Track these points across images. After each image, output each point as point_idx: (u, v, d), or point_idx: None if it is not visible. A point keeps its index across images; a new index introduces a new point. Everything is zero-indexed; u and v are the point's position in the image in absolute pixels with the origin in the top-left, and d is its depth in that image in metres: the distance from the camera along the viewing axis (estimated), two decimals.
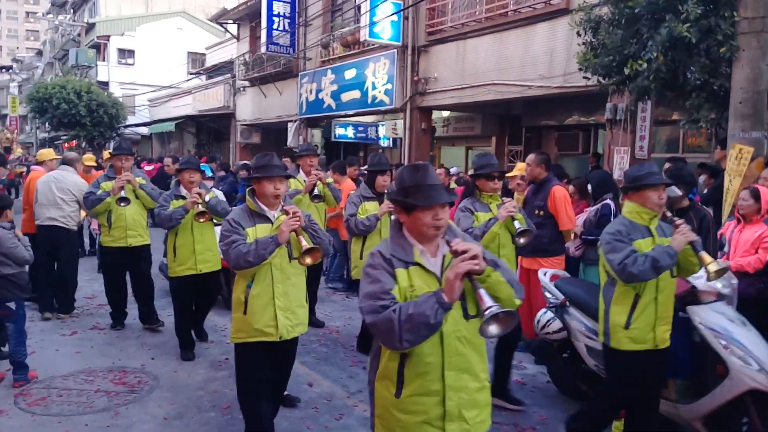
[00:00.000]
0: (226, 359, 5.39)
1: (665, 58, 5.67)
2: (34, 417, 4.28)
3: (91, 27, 35.56)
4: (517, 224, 4.32)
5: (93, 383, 4.90)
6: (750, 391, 3.51)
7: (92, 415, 4.31)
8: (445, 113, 14.47)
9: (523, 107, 12.28)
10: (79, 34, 38.02)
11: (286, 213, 3.52)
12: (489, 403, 2.44)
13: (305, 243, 3.44)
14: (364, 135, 16.17)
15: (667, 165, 6.04)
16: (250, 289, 3.55)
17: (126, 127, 28.47)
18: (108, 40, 34.09)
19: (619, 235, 3.40)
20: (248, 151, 19.45)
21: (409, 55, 12.40)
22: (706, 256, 3.38)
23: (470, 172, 10.91)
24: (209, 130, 24.59)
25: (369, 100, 13.39)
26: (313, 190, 5.90)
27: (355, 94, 13.83)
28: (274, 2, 15.86)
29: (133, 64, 34.23)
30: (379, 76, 13.00)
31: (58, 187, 6.66)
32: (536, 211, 5.50)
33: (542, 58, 9.65)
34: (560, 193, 5.56)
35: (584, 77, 7.13)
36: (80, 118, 24.62)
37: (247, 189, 3.73)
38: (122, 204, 5.88)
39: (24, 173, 15.70)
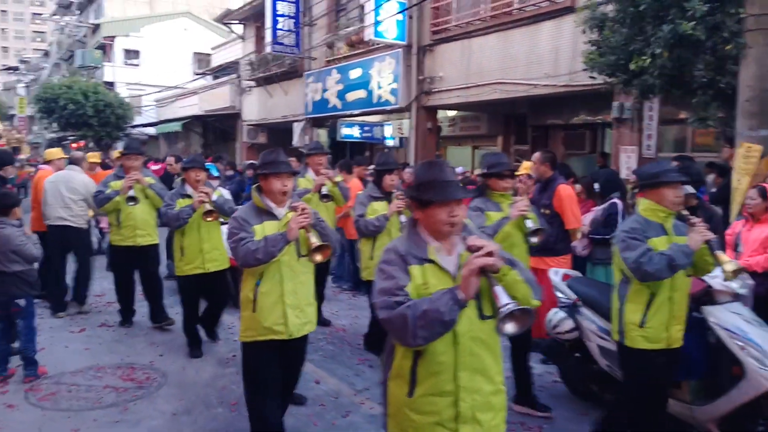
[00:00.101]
0: (234, 356, 5.41)
1: (670, 55, 5.66)
2: (44, 412, 4.32)
3: (96, 28, 35.75)
4: (529, 223, 4.22)
5: (102, 379, 4.94)
6: (767, 393, 3.46)
7: (101, 411, 4.35)
8: (451, 112, 14.46)
9: (529, 106, 12.25)
10: (85, 35, 38.26)
11: (295, 210, 3.48)
12: (504, 408, 2.40)
13: (315, 240, 3.40)
14: (369, 135, 16.16)
15: (674, 163, 6.02)
16: (259, 287, 3.51)
17: (133, 127, 28.56)
18: (113, 41, 34.23)
19: (635, 232, 3.36)
20: (254, 151, 19.49)
21: (414, 54, 12.41)
22: (722, 256, 3.36)
23: (476, 171, 10.91)
24: (215, 130, 24.66)
25: (374, 100, 13.40)
26: (321, 189, 5.85)
27: (361, 93, 13.85)
28: (278, 2, 15.89)
29: (138, 65, 34.37)
30: (385, 76, 13.01)
31: (67, 187, 6.71)
32: (542, 210, 5.48)
33: (548, 56, 9.64)
34: (566, 192, 5.54)
35: (590, 77, 7.13)
36: (87, 118, 24.73)
37: (254, 186, 3.68)
38: (131, 203, 5.91)
39: (31, 174, 15.77)
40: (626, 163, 8.68)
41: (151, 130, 28.95)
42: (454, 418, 2.25)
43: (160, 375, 5.05)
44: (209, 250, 5.42)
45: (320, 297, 6.46)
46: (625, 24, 6.28)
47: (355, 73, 14.06)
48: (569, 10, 9.05)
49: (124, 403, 4.47)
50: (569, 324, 4.47)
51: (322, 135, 17.33)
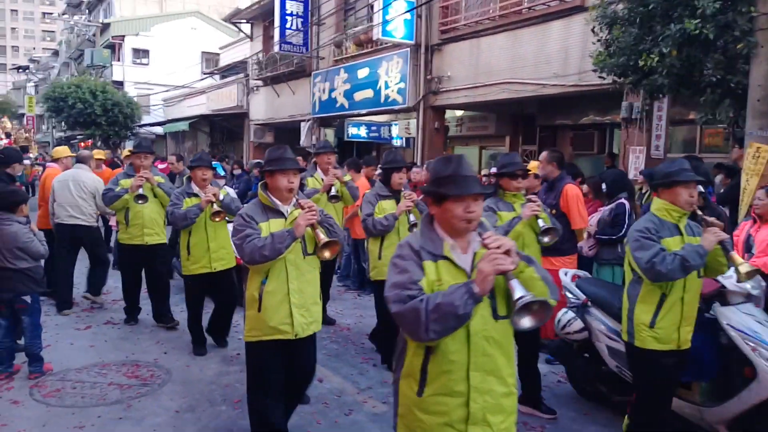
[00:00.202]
0: (238, 354, 5.41)
1: (679, 54, 5.61)
2: (49, 408, 4.33)
3: (106, 27, 35.92)
4: (540, 222, 4.22)
5: (106, 376, 4.95)
6: None
7: (105, 407, 4.35)
8: (459, 112, 14.42)
9: (538, 106, 12.21)
10: (94, 35, 38.45)
11: (301, 207, 3.44)
12: (515, 411, 2.34)
13: (323, 236, 3.35)
14: (377, 134, 16.15)
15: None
16: (265, 286, 3.45)
17: (141, 126, 28.68)
18: (123, 40, 34.37)
19: (648, 232, 3.31)
20: (261, 151, 19.50)
21: (423, 53, 12.38)
22: (736, 257, 3.32)
23: (483, 171, 10.89)
24: (223, 129, 24.71)
25: (382, 100, 13.39)
26: (330, 189, 5.79)
27: (368, 93, 13.84)
28: (287, 1, 15.90)
29: (147, 64, 34.49)
30: (392, 75, 13.00)
31: (76, 186, 6.75)
32: (548, 210, 5.46)
33: (557, 56, 9.60)
34: (572, 192, 5.51)
35: (599, 76, 7.08)
36: (96, 117, 24.85)
37: (260, 183, 3.64)
38: (140, 202, 5.92)
39: (39, 173, 15.88)
40: (634, 164, 8.63)
41: (159, 130, 29.05)
42: (464, 419, 2.20)
43: (165, 372, 5.06)
44: (216, 249, 5.39)
45: (325, 296, 6.44)
46: (634, 24, 6.23)
47: (362, 73, 14.05)
48: (579, 9, 9.01)
49: (128, 400, 4.48)
50: (578, 324, 4.43)
51: (329, 135, 17.34)
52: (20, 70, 52.58)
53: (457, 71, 11.79)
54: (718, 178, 6.96)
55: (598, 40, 6.83)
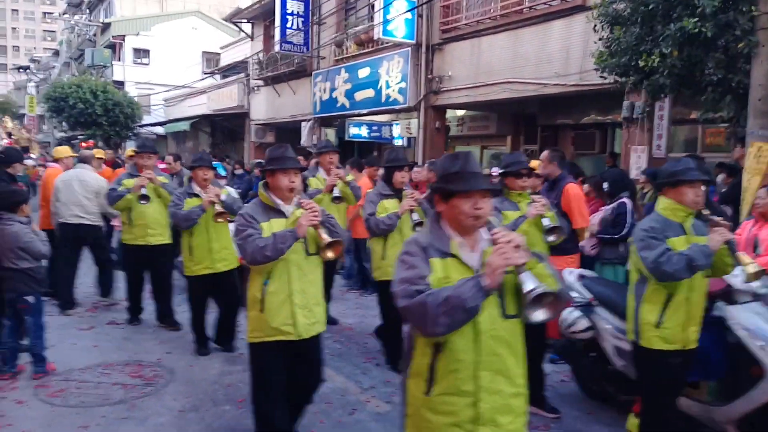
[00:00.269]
0: (241, 354, 5.41)
1: (680, 54, 5.62)
2: (53, 408, 4.34)
3: (106, 27, 35.91)
4: (546, 221, 4.19)
5: (110, 376, 4.96)
6: None
7: (109, 407, 4.36)
8: (460, 112, 14.42)
9: (539, 106, 12.20)
10: (94, 34, 38.44)
11: (302, 207, 3.42)
12: (525, 412, 2.32)
13: (326, 236, 3.33)
14: (378, 134, 16.16)
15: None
16: (267, 286, 3.42)
17: (142, 126, 28.69)
18: (123, 40, 34.35)
19: (653, 231, 3.30)
20: (262, 151, 19.50)
21: (423, 53, 12.38)
22: (744, 257, 3.32)
23: (485, 171, 10.90)
24: (224, 129, 24.71)
25: (383, 99, 13.39)
26: (332, 189, 5.73)
27: (369, 92, 13.84)
28: (287, 1, 15.90)
29: (148, 64, 34.48)
30: (393, 75, 13.00)
31: (81, 185, 6.78)
32: (555, 209, 5.45)
33: (558, 55, 9.60)
34: (574, 191, 5.49)
35: (601, 76, 7.09)
36: (96, 117, 24.84)
37: (261, 182, 3.60)
38: (142, 202, 5.92)
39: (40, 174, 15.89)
40: (636, 163, 8.63)
41: (160, 130, 29.08)
42: (473, 419, 2.18)
43: (168, 372, 5.07)
44: (218, 249, 5.35)
45: (327, 296, 6.42)
46: (636, 23, 6.24)
47: (363, 73, 14.06)
48: (580, 8, 9.01)
49: (132, 400, 4.49)
50: (584, 323, 4.39)
51: (330, 134, 17.35)
52: (21, 70, 52.63)
53: (458, 71, 11.79)
54: (720, 178, 6.96)
55: (600, 39, 6.83)
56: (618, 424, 4.21)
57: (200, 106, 23.79)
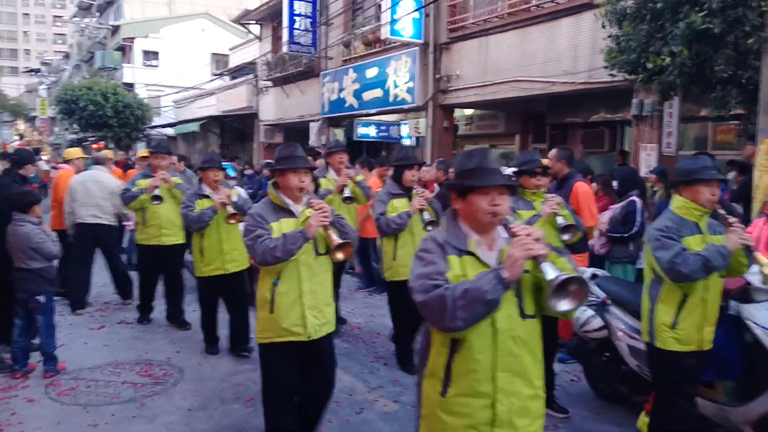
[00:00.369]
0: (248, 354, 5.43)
1: (690, 52, 5.57)
2: (63, 406, 4.38)
3: (116, 29, 36.17)
4: (559, 220, 4.13)
5: (120, 375, 5.00)
6: None
7: (118, 406, 4.39)
8: (468, 111, 14.39)
9: (548, 104, 12.15)
10: (104, 37, 38.74)
11: (312, 207, 3.38)
12: (542, 415, 2.28)
13: (336, 237, 3.29)
14: (386, 134, 16.15)
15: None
16: (277, 287, 3.38)
17: (152, 128, 28.83)
18: (133, 42, 34.57)
19: (668, 231, 3.24)
20: (271, 151, 19.54)
21: (431, 52, 12.36)
22: (761, 257, 3.27)
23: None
24: (233, 130, 24.80)
25: (391, 99, 13.39)
26: (343, 189, 5.67)
27: (377, 92, 13.84)
28: (295, 2, 15.93)
29: (157, 66, 34.66)
30: (401, 75, 12.99)
31: (97, 186, 6.89)
32: (570, 207, 5.40)
33: (566, 53, 9.55)
34: (583, 190, 5.46)
35: (610, 74, 7.04)
36: (107, 119, 24.98)
37: (270, 182, 3.57)
38: (155, 202, 5.95)
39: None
40: (646, 161, 8.57)
41: (170, 131, 29.22)
42: (490, 422, 2.14)
43: (177, 371, 5.10)
44: (229, 250, 5.32)
45: (336, 296, 6.40)
46: (644, 20, 6.20)
47: (371, 72, 14.06)
48: (588, 6, 8.96)
49: (142, 399, 4.52)
50: (598, 322, 4.35)
51: (338, 134, 17.37)
52: (32, 73, 53.10)
53: (466, 70, 11.76)
54: (731, 175, 6.92)
55: (609, 36, 6.79)
56: (627, 424, 4.19)
57: (209, 108, 23.88)
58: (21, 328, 4.96)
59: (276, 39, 19.11)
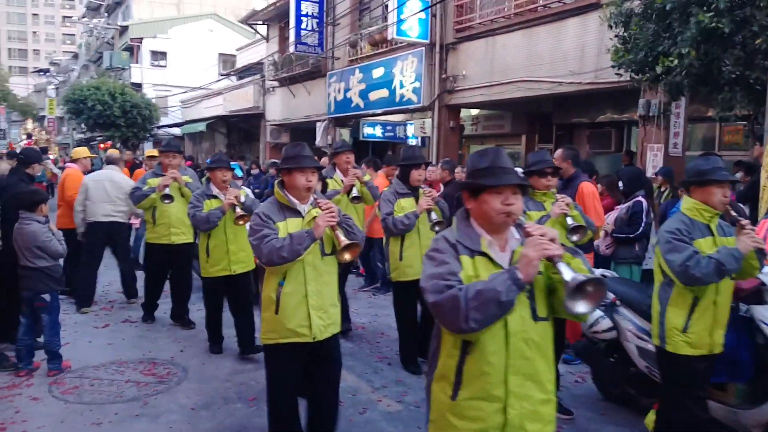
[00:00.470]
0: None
1: (697, 53, 5.53)
2: (67, 405, 4.39)
3: (124, 30, 36.36)
4: (569, 220, 4.09)
5: (124, 374, 5.01)
6: None
7: (122, 404, 4.40)
8: (474, 111, 14.37)
9: (554, 104, 12.12)
10: (113, 37, 38.95)
11: (319, 207, 3.34)
12: (553, 420, 2.23)
13: (344, 238, 3.24)
14: (392, 134, 16.16)
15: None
16: (282, 287, 3.34)
17: (159, 127, 28.95)
18: (141, 43, 34.74)
19: (679, 233, 3.19)
20: (278, 151, 19.59)
21: (437, 52, 12.35)
22: None
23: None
24: (239, 130, 24.88)
25: (397, 99, 13.38)
26: (351, 190, 5.62)
27: (383, 92, 13.84)
28: (302, 2, 15.97)
29: (165, 66, 34.80)
30: (407, 75, 12.98)
31: (111, 185, 6.96)
32: (580, 208, 5.36)
33: (573, 53, 9.52)
34: (588, 190, 5.42)
35: (616, 73, 7.01)
36: (115, 119, 25.09)
37: (276, 181, 3.53)
38: (166, 201, 5.96)
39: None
40: (653, 162, 8.53)
41: (177, 131, 29.33)
42: (501, 426, 2.10)
43: (181, 370, 5.10)
44: (236, 251, 5.29)
45: (343, 297, 6.35)
46: (651, 20, 6.16)
47: (377, 73, 14.06)
48: (595, 6, 8.93)
49: (145, 397, 4.52)
50: (607, 323, 4.30)
51: (344, 134, 17.37)
52: (41, 73, 53.45)
53: (472, 70, 11.75)
54: (738, 176, 6.85)
55: (615, 36, 6.76)
56: (631, 425, 4.17)
57: (216, 107, 23.96)
58: (26, 326, 4.98)
59: (283, 39, 19.14)
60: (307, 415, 3.58)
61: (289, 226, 3.34)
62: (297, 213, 3.41)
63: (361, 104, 14.67)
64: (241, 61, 25.64)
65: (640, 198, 5.87)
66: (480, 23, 11.52)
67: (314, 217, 3.34)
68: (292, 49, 16.45)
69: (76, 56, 55.62)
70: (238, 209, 5.08)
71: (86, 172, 7.77)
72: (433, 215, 4.90)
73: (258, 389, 4.62)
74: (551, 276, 2.14)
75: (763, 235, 4.76)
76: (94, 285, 7.09)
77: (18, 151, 10.78)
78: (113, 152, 9.89)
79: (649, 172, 8.17)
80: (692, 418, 3.36)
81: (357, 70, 14.82)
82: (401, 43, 12.91)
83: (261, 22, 20.82)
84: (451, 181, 7.84)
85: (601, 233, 5.87)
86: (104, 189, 6.92)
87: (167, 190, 5.97)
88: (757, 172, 5.89)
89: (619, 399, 4.52)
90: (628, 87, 7.61)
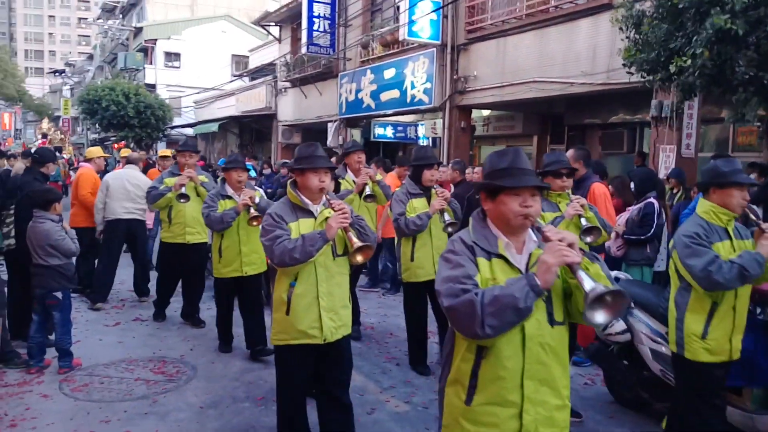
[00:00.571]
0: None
1: (711, 53, 5.47)
2: (77, 402, 4.42)
3: (139, 31, 36.65)
4: (583, 221, 4.02)
5: (133, 372, 5.04)
6: None
7: (131, 402, 4.43)
8: (485, 112, 14.33)
9: (566, 105, 12.06)
10: (127, 39, 39.26)
11: (332, 208, 3.30)
12: (568, 425, 2.19)
13: (356, 240, 3.20)
14: (403, 134, 16.16)
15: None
16: (294, 288, 3.33)
17: (172, 128, 29.14)
18: (155, 44, 34.99)
19: (698, 238, 3.12)
20: (290, 151, 19.65)
21: (449, 53, 12.32)
22: None
23: None
24: (252, 130, 24.98)
25: (408, 100, 13.37)
26: (363, 189, 5.56)
27: (394, 93, 13.84)
28: (314, 4, 16.02)
29: (179, 67, 35.03)
30: (418, 75, 12.97)
31: (132, 183, 7.12)
32: (595, 209, 5.32)
33: (585, 54, 9.47)
34: (600, 191, 5.38)
35: (628, 72, 6.95)
36: (128, 119, 25.27)
37: (289, 181, 3.51)
38: (182, 200, 5.99)
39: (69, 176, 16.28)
40: (665, 163, 8.45)
41: (190, 131, 29.51)
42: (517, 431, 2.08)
43: (190, 368, 5.13)
44: (248, 253, 5.27)
45: (354, 297, 6.32)
46: (664, 20, 6.11)
47: (389, 73, 14.06)
48: (607, 6, 8.87)
49: (154, 396, 4.55)
50: (621, 325, 4.24)
51: (356, 135, 17.41)
52: (57, 74, 54.00)
53: (484, 71, 11.71)
54: (752, 177, 6.79)
55: (627, 37, 6.71)
56: (639, 427, 4.14)
57: (229, 108, 24.10)
58: (38, 324, 5.03)
59: (295, 40, 19.21)
60: (322, 418, 3.55)
61: (301, 227, 3.33)
62: (309, 213, 3.39)
63: (373, 105, 14.68)
64: (254, 62, 25.76)
65: (651, 199, 5.81)
66: (492, 24, 11.48)
67: (327, 218, 3.32)
68: (304, 50, 16.51)
69: (91, 57, 56.18)
70: (252, 210, 5.06)
71: (99, 172, 7.86)
72: (446, 216, 4.88)
73: (266, 388, 4.64)
74: (568, 280, 2.10)
75: None
76: (111, 282, 7.18)
77: (32, 150, 10.93)
78: (125, 151, 10.03)
79: (662, 174, 8.10)
80: (708, 426, 3.29)
81: (368, 71, 14.83)
82: (413, 44, 12.90)
83: (273, 24, 20.93)
84: (461, 182, 7.82)
85: (612, 234, 5.82)
86: (124, 187, 7.08)
87: (183, 190, 6.00)
88: None
89: (631, 403, 4.46)
90: (640, 88, 7.55)
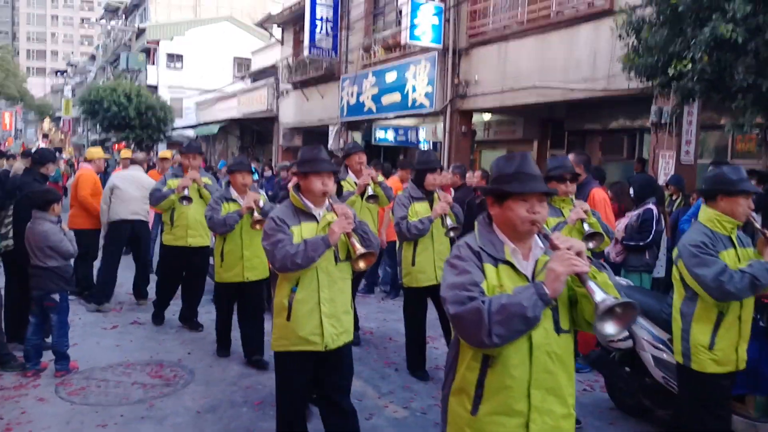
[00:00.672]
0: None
1: (710, 59, 5.47)
2: (73, 406, 4.40)
3: (141, 32, 36.73)
4: (586, 227, 3.99)
5: (130, 376, 5.02)
6: None
7: (128, 406, 4.41)
8: (486, 116, 14.34)
9: (566, 110, 12.07)
10: (130, 39, 39.35)
11: (335, 212, 3.27)
12: None
13: (359, 246, 3.18)
14: (404, 138, 16.16)
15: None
16: (295, 294, 3.28)
17: (173, 129, 29.16)
18: (157, 45, 35.06)
19: (705, 247, 3.09)
20: (291, 154, 19.67)
21: (450, 57, 12.33)
22: None
23: None
24: (253, 132, 25.00)
25: (409, 103, 13.38)
26: (365, 190, 5.50)
27: (396, 97, 13.85)
28: (317, 6, 16.05)
29: (181, 68, 35.08)
30: (420, 79, 12.99)
31: (137, 185, 7.12)
32: (597, 214, 5.31)
33: (586, 60, 9.47)
34: (600, 196, 5.37)
35: (628, 78, 6.96)
36: (129, 120, 25.34)
37: (293, 185, 3.45)
38: (185, 203, 5.94)
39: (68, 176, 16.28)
40: (664, 169, 8.46)
41: (191, 132, 29.54)
42: None
43: (188, 372, 5.11)
44: (250, 257, 5.19)
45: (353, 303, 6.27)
46: (664, 25, 6.11)
47: (390, 77, 14.07)
48: (608, 13, 8.88)
49: (151, 400, 4.53)
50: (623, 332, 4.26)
51: (357, 138, 17.40)
52: (58, 74, 54.07)
53: (485, 75, 11.72)
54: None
55: (627, 44, 6.72)
56: None
57: (230, 110, 24.12)
58: (35, 326, 5.01)
59: (297, 43, 19.23)
60: (324, 424, 3.53)
61: (303, 231, 3.28)
62: (312, 217, 3.35)
63: (374, 108, 14.69)
64: (256, 64, 25.78)
65: (650, 206, 5.81)
66: (493, 29, 11.50)
67: (329, 223, 3.29)
68: (306, 52, 16.55)
69: (93, 58, 56.23)
70: (255, 213, 5.00)
71: (99, 173, 7.85)
72: (449, 221, 4.85)
73: (264, 393, 4.63)
74: (574, 288, 2.08)
75: None
76: (114, 283, 7.17)
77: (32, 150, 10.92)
78: (125, 152, 10.03)
79: (661, 180, 8.10)
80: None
81: (370, 74, 14.85)
82: (414, 47, 12.91)
83: (276, 26, 20.95)
84: (462, 186, 7.81)
85: (612, 241, 5.82)
86: (131, 189, 7.09)
87: (186, 192, 5.95)
88: None
89: (633, 410, 4.44)
90: (641, 94, 7.56)
